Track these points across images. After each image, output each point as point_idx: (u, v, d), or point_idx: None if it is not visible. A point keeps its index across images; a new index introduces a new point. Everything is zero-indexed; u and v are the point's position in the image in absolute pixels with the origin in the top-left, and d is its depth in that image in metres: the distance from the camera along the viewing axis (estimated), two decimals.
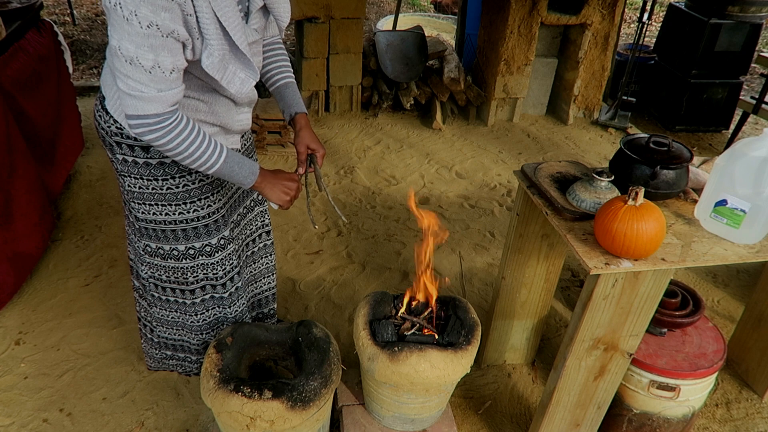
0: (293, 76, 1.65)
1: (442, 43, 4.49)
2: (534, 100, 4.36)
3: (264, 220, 1.94)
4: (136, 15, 1.12)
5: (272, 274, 2.06)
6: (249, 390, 1.49)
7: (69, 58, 3.37)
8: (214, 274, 1.71)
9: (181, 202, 1.54)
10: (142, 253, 1.67)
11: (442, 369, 1.59)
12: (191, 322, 1.82)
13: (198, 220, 1.59)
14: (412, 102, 4.19)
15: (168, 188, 1.51)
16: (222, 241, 1.67)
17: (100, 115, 1.46)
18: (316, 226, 2.09)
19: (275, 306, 2.15)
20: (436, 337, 1.70)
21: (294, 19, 3.92)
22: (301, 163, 1.60)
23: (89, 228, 2.90)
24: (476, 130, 4.17)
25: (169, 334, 1.91)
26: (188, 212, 1.57)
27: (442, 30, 5.78)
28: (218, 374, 1.55)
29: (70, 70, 3.35)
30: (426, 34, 4.34)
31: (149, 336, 1.95)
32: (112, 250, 2.74)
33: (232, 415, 1.49)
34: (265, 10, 1.39)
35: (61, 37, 3.29)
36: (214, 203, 1.61)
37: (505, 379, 2.21)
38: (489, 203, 3.30)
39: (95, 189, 3.23)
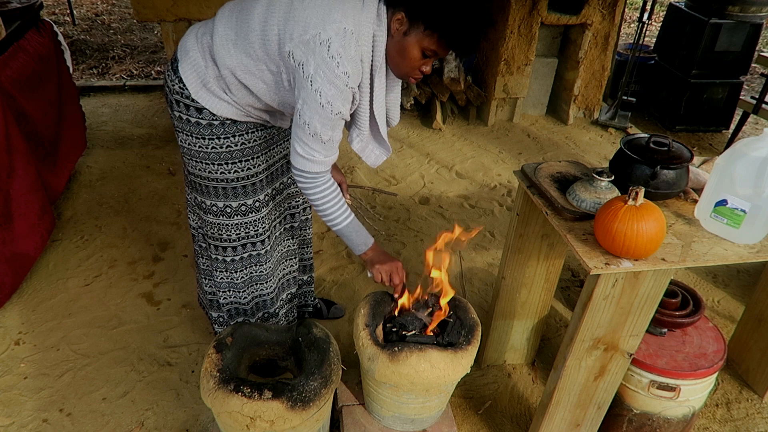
0: None
1: None
2: (534, 100, 4.36)
3: (297, 201, 2.02)
4: (331, 105, 1.39)
5: (308, 246, 2.21)
6: (249, 390, 1.49)
7: (69, 58, 3.37)
8: (246, 232, 1.81)
9: (223, 162, 1.66)
10: (193, 204, 1.86)
11: (442, 369, 1.59)
12: (220, 278, 1.91)
13: (237, 181, 1.70)
14: (412, 102, 4.19)
15: (212, 148, 1.63)
16: (257, 204, 1.77)
17: (168, 75, 1.63)
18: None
19: (313, 275, 2.30)
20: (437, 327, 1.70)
21: None
22: (344, 189, 1.86)
23: (89, 228, 2.90)
24: (476, 130, 4.17)
25: (208, 287, 2.02)
26: (229, 172, 1.68)
27: None
28: (218, 374, 1.55)
29: (70, 70, 3.35)
30: None
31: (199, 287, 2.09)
32: (112, 250, 2.74)
33: (232, 415, 1.49)
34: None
35: (61, 37, 3.30)
36: (254, 167, 1.71)
37: (505, 379, 2.21)
38: (489, 203, 3.30)
39: (95, 189, 3.23)
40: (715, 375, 1.76)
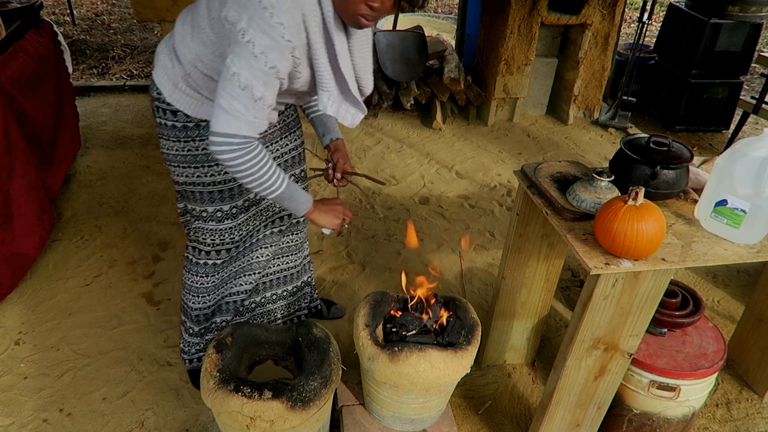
0: None
1: (442, 43, 4.49)
2: (534, 100, 4.36)
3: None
4: (265, 56, 1.29)
5: (298, 252, 2.15)
6: (249, 390, 1.49)
7: (69, 58, 3.37)
8: (221, 239, 1.81)
9: (200, 165, 1.66)
10: (178, 210, 1.84)
11: (442, 369, 1.59)
12: (191, 282, 1.91)
13: (213, 185, 1.70)
14: (412, 102, 4.19)
15: (188, 150, 1.64)
16: (234, 210, 1.77)
17: (150, 83, 1.63)
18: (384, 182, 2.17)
19: (309, 277, 2.25)
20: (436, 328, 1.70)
21: None
22: (340, 169, 1.79)
23: (89, 228, 2.90)
24: (476, 130, 4.17)
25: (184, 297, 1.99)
26: (206, 176, 1.68)
27: (442, 30, 5.78)
28: (218, 374, 1.55)
29: (70, 70, 3.35)
30: (426, 34, 4.34)
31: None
32: (112, 250, 2.74)
33: (232, 415, 1.49)
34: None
35: (61, 37, 3.30)
36: None
37: (505, 379, 2.21)
38: (489, 203, 3.30)
39: (95, 189, 3.23)
40: (715, 375, 1.76)
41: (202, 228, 1.78)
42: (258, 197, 1.83)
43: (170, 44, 1.55)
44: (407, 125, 4.17)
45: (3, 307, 2.38)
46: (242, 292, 2.01)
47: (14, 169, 2.43)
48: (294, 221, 2.04)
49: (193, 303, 1.94)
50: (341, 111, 1.52)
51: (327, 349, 1.65)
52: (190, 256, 1.87)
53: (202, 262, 1.85)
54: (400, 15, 4.86)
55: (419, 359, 1.58)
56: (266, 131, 1.75)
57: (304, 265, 2.22)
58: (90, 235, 2.84)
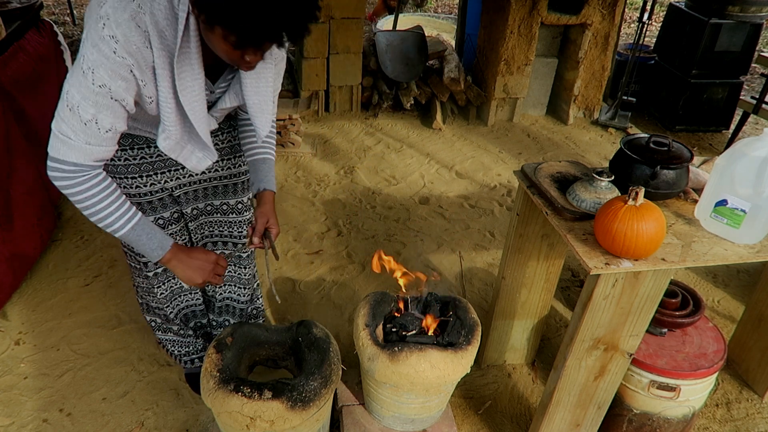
0: (274, 153, 1.65)
1: (442, 43, 4.49)
2: (534, 100, 4.36)
3: (230, 230, 1.83)
4: (92, 72, 1.15)
5: (234, 285, 1.97)
6: (249, 390, 1.49)
7: (69, 57, 3.37)
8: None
9: (118, 177, 1.52)
10: None
11: (442, 369, 1.59)
12: (137, 282, 1.86)
13: (139, 197, 1.57)
14: (412, 102, 4.19)
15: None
16: (160, 222, 1.63)
17: None
18: (279, 300, 2.06)
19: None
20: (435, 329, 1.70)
21: None
22: (257, 232, 1.59)
23: (89, 228, 2.89)
24: (476, 130, 4.17)
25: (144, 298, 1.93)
26: (123, 188, 1.54)
27: (442, 30, 5.78)
28: (218, 374, 1.55)
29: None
30: (426, 34, 4.34)
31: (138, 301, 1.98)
32: (112, 250, 2.74)
33: (232, 415, 1.49)
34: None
35: (61, 37, 3.29)
36: (159, 182, 1.58)
37: (505, 379, 2.21)
38: (489, 203, 3.30)
39: None
40: (715, 375, 1.77)
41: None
42: (179, 215, 1.70)
43: None
44: (407, 125, 4.17)
45: (3, 307, 2.38)
46: (196, 305, 1.96)
47: (14, 169, 2.43)
48: (236, 254, 1.87)
49: (153, 302, 1.90)
50: (184, 152, 1.36)
51: (327, 349, 1.65)
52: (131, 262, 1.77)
53: (136, 266, 1.75)
54: (400, 15, 4.86)
55: (419, 359, 1.58)
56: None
57: (256, 306, 2.08)
58: (90, 235, 2.84)
